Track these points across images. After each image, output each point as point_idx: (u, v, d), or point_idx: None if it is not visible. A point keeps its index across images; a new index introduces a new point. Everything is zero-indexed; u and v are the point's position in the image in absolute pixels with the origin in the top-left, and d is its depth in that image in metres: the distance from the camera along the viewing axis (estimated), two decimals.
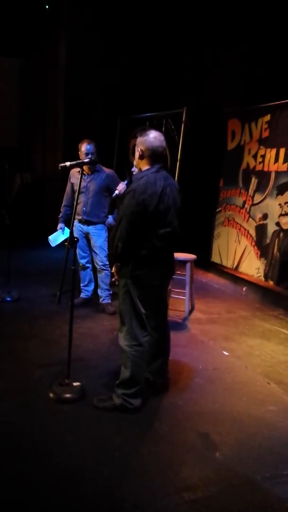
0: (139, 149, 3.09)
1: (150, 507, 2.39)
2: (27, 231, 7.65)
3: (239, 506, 2.43)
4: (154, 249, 3.05)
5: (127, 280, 3.11)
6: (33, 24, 8.56)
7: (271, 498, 2.50)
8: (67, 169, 3.58)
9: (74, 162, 3.40)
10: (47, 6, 8.38)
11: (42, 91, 9.33)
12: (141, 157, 3.09)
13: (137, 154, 3.11)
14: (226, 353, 4.32)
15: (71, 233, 3.36)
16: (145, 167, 3.11)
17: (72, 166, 3.41)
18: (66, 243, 3.44)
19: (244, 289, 6.24)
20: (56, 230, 5.19)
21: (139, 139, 3.08)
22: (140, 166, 3.15)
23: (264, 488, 2.57)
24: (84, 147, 4.80)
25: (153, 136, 3.06)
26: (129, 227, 2.97)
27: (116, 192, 4.33)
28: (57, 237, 5.17)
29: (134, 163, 4.48)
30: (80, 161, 3.55)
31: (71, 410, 3.18)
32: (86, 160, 4.03)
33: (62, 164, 3.37)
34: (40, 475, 2.54)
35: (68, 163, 3.37)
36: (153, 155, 3.06)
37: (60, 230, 5.18)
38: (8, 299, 5.24)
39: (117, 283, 3.33)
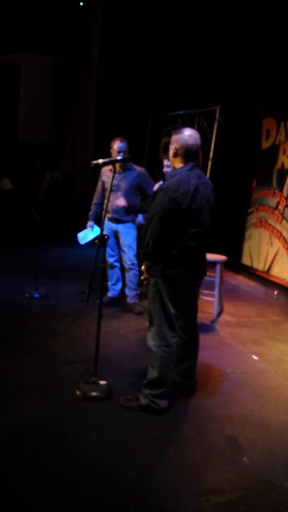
0: (173, 147, 3.08)
1: (175, 508, 2.37)
2: (55, 228, 7.69)
3: (266, 511, 2.39)
4: (186, 248, 3.01)
5: (158, 280, 3.07)
6: (67, 20, 8.59)
7: None
8: (99, 167, 3.55)
9: (107, 160, 3.38)
10: (81, 3, 8.39)
11: (73, 88, 9.36)
12: (175, 155, 3.08)
13: (171, 152, 3.10)
14: (255, 358, 4.23)
15: (101, 231, 3.34)
16: (179, 165, 3.09)
17: (104, 164, 3.38)
18: (95, 241, 3.42)
19: (275, 292, 6.11)
20: (85, 228, 5.20)
21: (174, 137, 3.08)
22: (174, 164, 3.14)
23: None
24: (116, 145, 4.77)
25: (188, 134, 3.05)
26: (160, 225, 2.94)
27: None
28: (86, 235, 5.17)
29: (165, 162, 4.46)
30: (113, 158, 3.53)
31: (97, 409, 3.17)
32: (119, 158, 3.99)
33: (94, 161, 3.35)
34: (64, 472, 2.54)
35: (100, 160, 3.34)
36: (187, 153, 3.04)
37: (90, 227, 5.18)
38: (36, 295, 5.26)
39: (146, 282, 3.30)
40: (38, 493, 2.38)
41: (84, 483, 2.47)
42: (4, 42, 8.76)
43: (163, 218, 2.93)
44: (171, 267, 3.03)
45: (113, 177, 3.37)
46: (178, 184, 2.94)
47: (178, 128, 3.15)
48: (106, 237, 3.29)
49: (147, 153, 8.32)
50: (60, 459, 2.64)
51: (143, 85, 7.94)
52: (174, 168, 3.14)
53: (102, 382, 3.37)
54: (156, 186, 4.27)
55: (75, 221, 7.60)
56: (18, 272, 5.98)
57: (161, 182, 4.33)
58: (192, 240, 3.01)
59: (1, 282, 5.70)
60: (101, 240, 3.27)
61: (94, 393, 3.28)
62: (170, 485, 2.51)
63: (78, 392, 3.29)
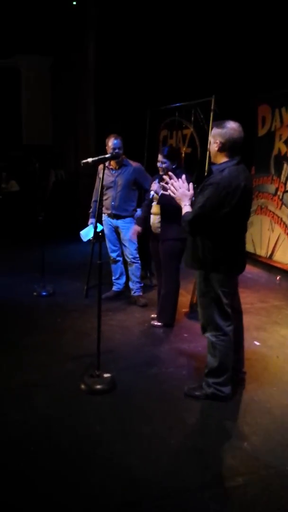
0: (218, 141, 3.01)
1: (178, 496, 2.42)
2: (61, 226, 7.80)
3: (266, 497, 2.42)
4: (237, 240, 3.13)
5: (210, 274, 3.13)
6: (62, 21, 8.62)
7: None
8: (90, 166, 3.61)
9: (96, 158, 3.43)
10: (74, 2, 8.43)
11: (73, 87, 9.42)
12: (221, 149, 3.03)
13: (215, 147, 3.04)
14: (257, 343, 4.28)
15: (95, 228, 3.42)
16: (223, 159, 3.06)
17: (94, 162, 3.43)
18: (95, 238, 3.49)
19: (278, 278, 6.14)
20: (87, 225, 5.29)
21: (217, 131, 3.02)
22: (217, 158, 3.10)
23: None
24: (111, 142, 4.83)
25: (233, 127, 3.00)
26: (204, 218, 2.98)
27: (152, 192, 4.35)
28: (88, 232, 5.25)
29: (160, 158, 4.44)
30: (102, 156, 3.56)
31: (101, 401, 3.25)
32: (108, 155, 4.05)
33: (84, 161, 3.40)
34: (69, 464, 2.62)
35: (90, 160, 3.39)
36: (233, 146, 3.01)
37: (91, 225, 5.26)
38: (44, 293, 5.37)
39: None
40: (43, 485, 2.46)
41: (87, 474, 2.54)
42: (2, 45, 8.83)
43: (209, 214, 2.94)
44: (224, 259, 3.09)
45: (104, 173, 3.43)
46: (229, 179, 2.92)
47: (219, 121, 3.07)
48: (99, 233, 3.35)
49: (147, 147, 8.34)
50: (65, 451, 2.72)
51: (140, 80, 7.97)
52: (215, 163, 3.10)
53: (106, 375, 3.46)
54: (154, 186, 4.27)
55: (79, 218, 7.70)
56: (26, 271, 6.09)
57: (157, 180, 4.36)
58: (242, 232, 3.14)
59: (9, 281, 5.84)
60: (95, 237, 3.34)
61: (98, 386, 3.37)
62: (173, 473, 2.56)
63: (82, 386, 3.38)
